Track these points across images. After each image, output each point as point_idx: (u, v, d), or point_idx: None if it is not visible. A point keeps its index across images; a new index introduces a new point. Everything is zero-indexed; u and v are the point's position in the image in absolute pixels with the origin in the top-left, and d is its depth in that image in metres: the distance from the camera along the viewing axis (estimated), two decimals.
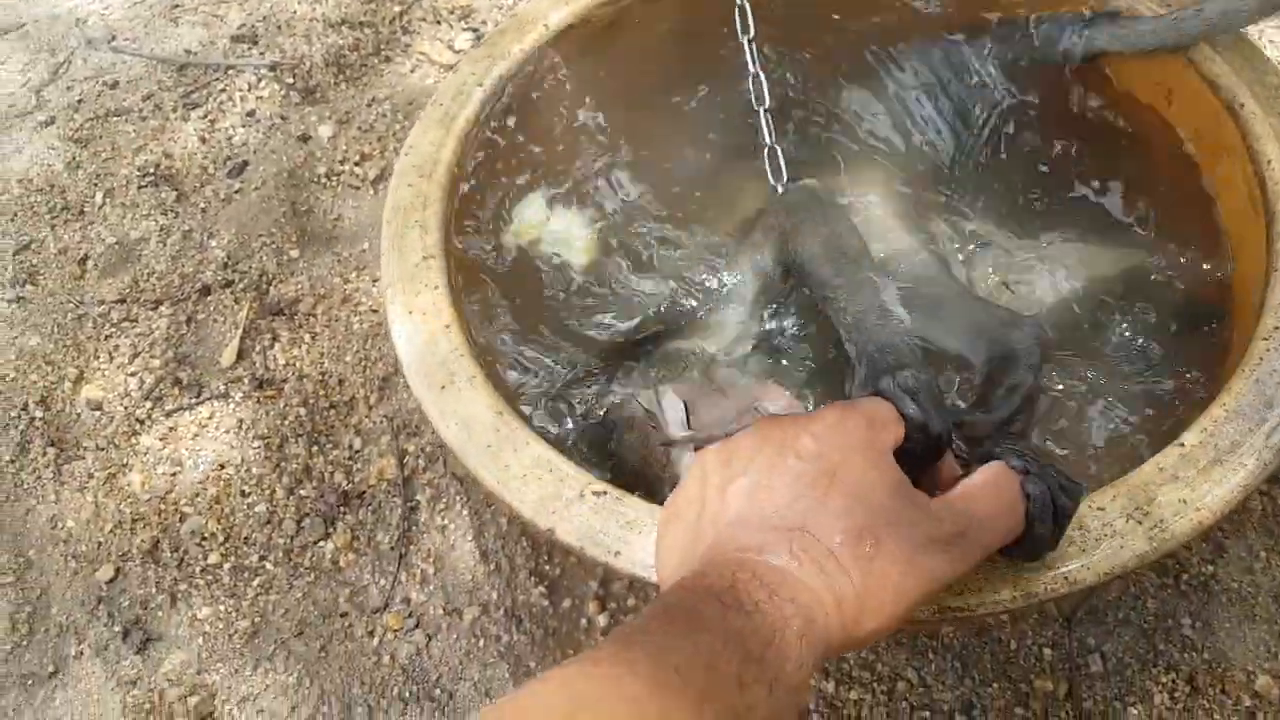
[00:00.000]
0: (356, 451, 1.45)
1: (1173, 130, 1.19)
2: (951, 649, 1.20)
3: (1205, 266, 1.11)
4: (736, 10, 1.18)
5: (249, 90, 2.00)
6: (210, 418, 1.51)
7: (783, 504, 0.69)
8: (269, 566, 1.37)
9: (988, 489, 0.75)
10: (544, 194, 1.25)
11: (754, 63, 1.18)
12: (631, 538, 0.86)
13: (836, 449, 0.73)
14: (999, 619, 1.19)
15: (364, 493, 1.41)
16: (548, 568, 1.31)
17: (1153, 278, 1.12)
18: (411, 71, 1.99)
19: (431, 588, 1.32)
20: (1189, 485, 0.83)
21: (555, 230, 1.25)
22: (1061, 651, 1.19)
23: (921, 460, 0.77)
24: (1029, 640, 1.20)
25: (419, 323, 1.02)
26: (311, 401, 1.51)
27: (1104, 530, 0.81)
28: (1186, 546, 1.20)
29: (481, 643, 1.27)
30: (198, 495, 1.44)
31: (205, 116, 1.96)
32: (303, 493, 1.43)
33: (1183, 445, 0.85)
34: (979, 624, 1.19)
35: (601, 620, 1.26)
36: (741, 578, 0.62)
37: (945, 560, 0.71)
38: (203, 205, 1.80)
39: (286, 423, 1.49)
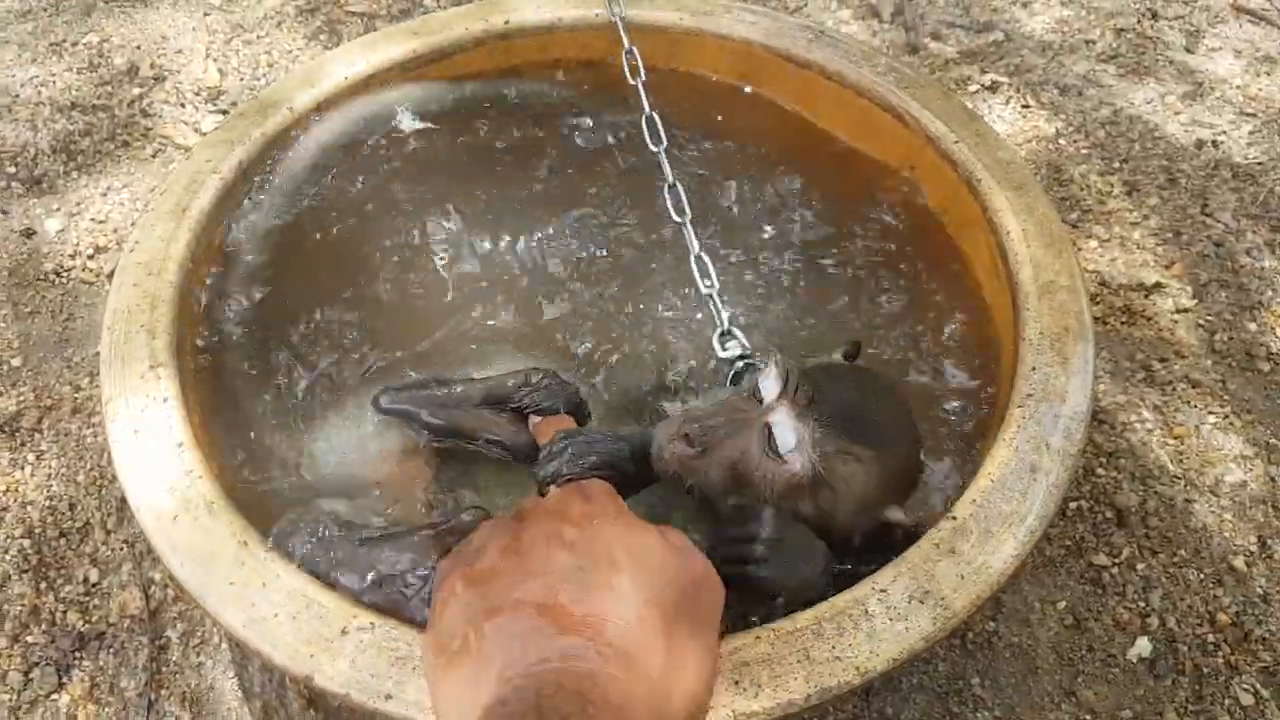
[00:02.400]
0: (94, 585, 1.27)
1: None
2: None
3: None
4: (644, 121, 1.16)
5: None
6: None
7: (575, 598, 0.64)
8: None
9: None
10: None
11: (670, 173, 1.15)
12: (405, 676, 0.76)
13: (597, 527, 0.71)
14: None
15: (104, 633, 1.24)
16: (326, 697, 1.18)
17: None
18: (153, 157, 1.83)
19: None
20: (965, 559, 0.83)
21: None
22: None
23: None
24: (830, 716, 1.18)
25: (145, 444, 0.90)
26: (38, 531, 1.32)
27: (890, 614, 0.79)
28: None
29: None
30: None
31: None
32: (30, 639, 1.23)
33: (955, 518, 0.86)
34: None
35: None
36: (547, 693, 0.56)
37: (710, 592, 0.72)
38: None
39: (8, 558, 1.30)
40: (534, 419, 0.97)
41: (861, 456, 0.87)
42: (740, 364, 1.06)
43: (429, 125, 1.32)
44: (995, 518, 0.86)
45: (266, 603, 0.81)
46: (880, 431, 0.90)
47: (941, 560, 0.83)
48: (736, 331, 1.08)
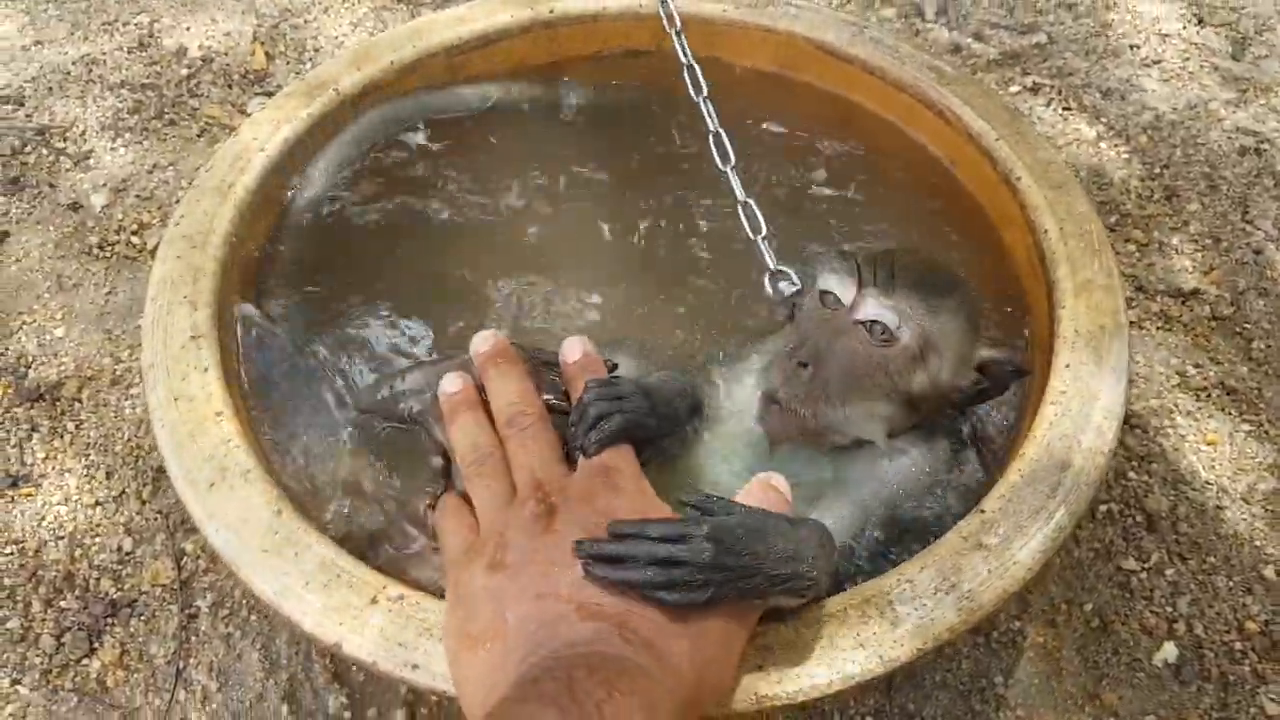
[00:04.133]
0: (127, 554, 1.30)
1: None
2: None
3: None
4: (711, 139, 1.16)
5: (13, 155, 1.81)
6: None
7: (601, 591, 0.66)
8: (23, 691, 1.19)
9: (763, 497, 0.77)
10: None
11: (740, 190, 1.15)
12: (433, 647, 0.77)
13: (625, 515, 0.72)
14: None
15: (135, 600, 1.26)
16: (352, 673, 1.20)
17: None
18: (199, 136, 1.86)
19: (214, 705, 1.18)
20: (993, 554, 0.83)
21: None
22: (885, 719, 1.18)
23: None
24: (852, 710, 1.18)
25: (184, 411, 0.92)
26: (74, 498, 1.34)
27: (915, 604, 0.80)
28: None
29: None
30: None
31: None
32: (63, 604, 1.26)
33: (983, 511, 0.86)
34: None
35: None
36: (578, 676, 0.58)
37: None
38: None
39: (44, 524, 1.32)
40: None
41: (947, 306, 0.91)
42: (796, 298, 1.07)
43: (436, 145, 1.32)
44: (1024, 513, 0.85)
45: (298, 571, 0.82)
46: (945, 277, 0.94)
47: (969, 554, 0.83)
48: (788, 270, 1.09)
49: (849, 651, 0.77)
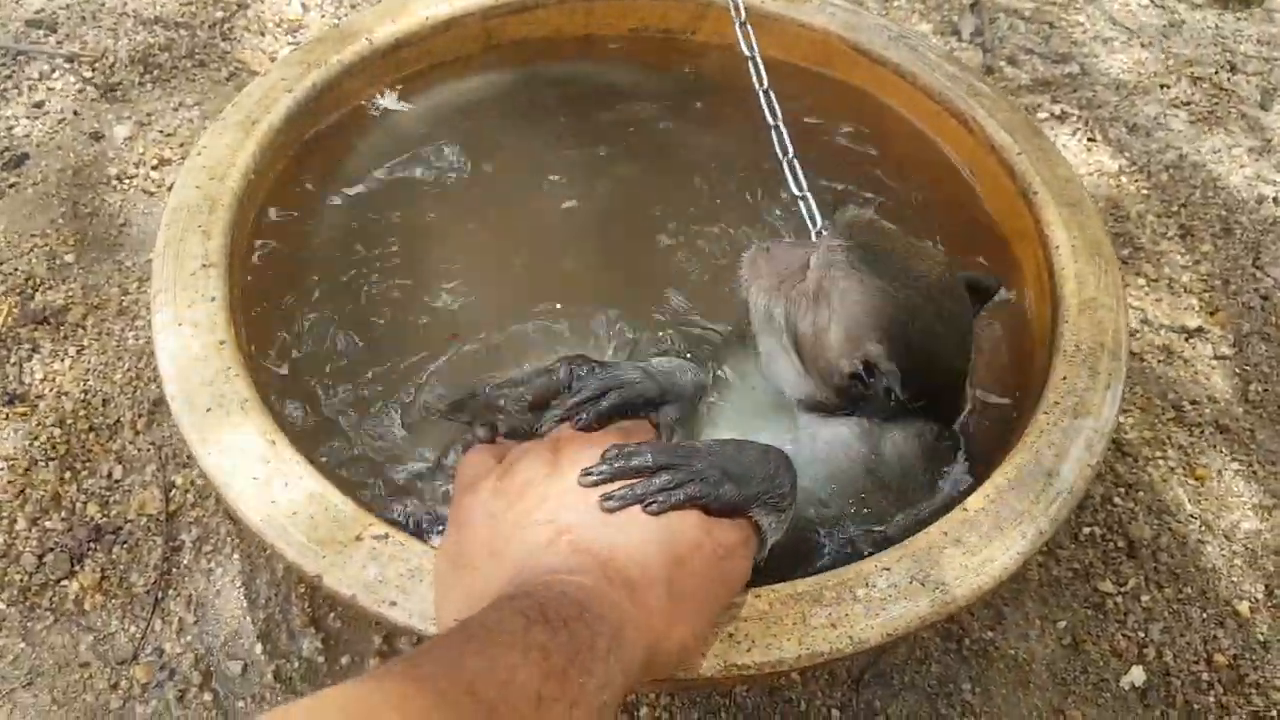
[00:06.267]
0: (116, 481, 1.31)
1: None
2: (744, 709, 1.17)
3: None
4: (772, 132, 1.18)
5: (40, 80, 1.82)
6: None
7: (594, 526, 0.68)
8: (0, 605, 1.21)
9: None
10: None
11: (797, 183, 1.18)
12: (412, 587, 0.78)
13: None
14: (789, 679, 1.17)
15: (120, 528, 1.27)
16: (329, 619, 1.20)
17: None
18: (227, 80, 1.87)
19: (189, 638, 1.18)
20: (971, 551, 0.83)
21: None
22: (850, 714, 1.18)
23: None
24: (819, 701, 1.19)
25: (189, 336, 0.92)
26: (69, 422, 1.35)
27: (889, 591, 0.80)
28: (969, 611, 1.23)
29: (241, 704, 1.14)
30: None
31: None
32: (48, 524, 1.27)
33: (966, 510, 0.87)
34: (769, 684, 1.18)
35: None
36: (549, 597, 0.60)
37: (736, 566, 0.74)
38: None
39: (37, 444, 1.33)
40: None
41: (866, 281, 0.94)
42: None
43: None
44: (1007, 515, 0.86)
45: (287, 501, 0.83)
46: (900, 278, 0.95)
47: (947, 549, 0.84)
48: None
49: (820, 630, 0.78)
